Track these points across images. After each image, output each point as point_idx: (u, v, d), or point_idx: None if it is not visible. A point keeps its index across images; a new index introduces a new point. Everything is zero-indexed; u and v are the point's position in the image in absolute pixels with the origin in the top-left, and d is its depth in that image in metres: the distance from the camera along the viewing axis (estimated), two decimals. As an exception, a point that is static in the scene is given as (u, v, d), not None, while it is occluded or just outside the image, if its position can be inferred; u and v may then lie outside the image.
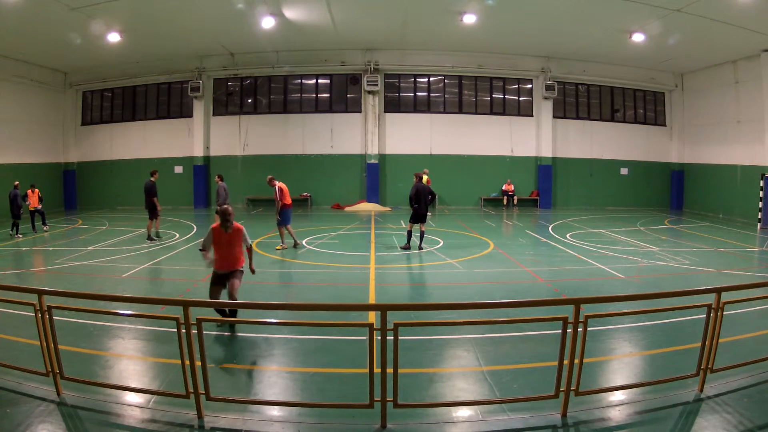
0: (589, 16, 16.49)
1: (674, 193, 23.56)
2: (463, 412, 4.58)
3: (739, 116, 19.59)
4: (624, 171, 23.60)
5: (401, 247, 12.62)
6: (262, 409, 4.61)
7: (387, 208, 22.03)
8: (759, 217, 17.47)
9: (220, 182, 14.35)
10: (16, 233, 14.68)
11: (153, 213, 13.71)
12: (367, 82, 21.75)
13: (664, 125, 23.80)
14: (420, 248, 12.50)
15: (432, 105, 23.08)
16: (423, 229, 12.53)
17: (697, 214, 21.65)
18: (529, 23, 17.74)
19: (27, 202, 15.42)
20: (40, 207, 15.59)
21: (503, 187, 22.80)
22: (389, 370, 4.21)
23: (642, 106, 23.78)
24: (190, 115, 22.87)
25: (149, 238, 13.69)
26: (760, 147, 18.14)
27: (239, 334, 6.49)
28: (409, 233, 12.59)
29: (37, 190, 15.69)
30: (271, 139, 22.88)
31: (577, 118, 23.36)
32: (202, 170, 22.80)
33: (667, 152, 23.71)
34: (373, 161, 22.33)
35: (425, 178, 19.49)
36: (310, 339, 6.45)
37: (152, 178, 14.05)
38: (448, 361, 6.07)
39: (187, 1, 15.54)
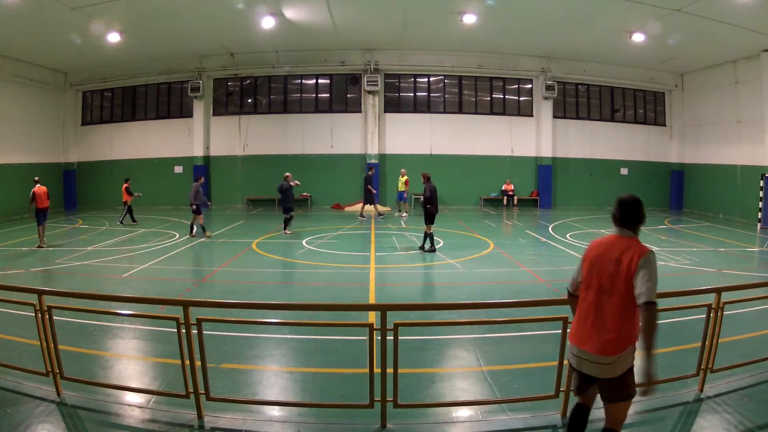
0: (589, 16, 16.49)
1: (674, 193, 23.56)
2: (463, 412, 4.58)
3: (739, 116, 19.59)
4: (624, 171, 23.59)
5: (427, 250, 12.32)
6: (262, 409, 4.61)
7: (387, 208, 22.02)
8: (759, 217, 17.46)
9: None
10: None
11: (197, 211, 14.55)
12: (367, 82, 21.74)
13: (664, 125, 23.80)
14: (420, 249, 12.47)
15: (432, 105, 23.08)
16: (430, 231, 12.44)
17: (697, 214, 21.65)
18: (529, 23, 17.73)
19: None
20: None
21: (503, 187, 22.80)
22: (389, 370, 4.21)
23: (642, 106, 23.77)
24: (190, 115, 22.87)
25: (204, 231, 14.60)
26: (760, 147, 18.13)
27: (239, 334, 6.48)
28: (431, 235, 12.31)
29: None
30: (271, 139, 22.88)
31: (577, 118, 23.35)
32: (202, 170, 22.76)
33: (667, 152, 23.70)
34: (373, 161, 22.32)
35: (405, 178, 19.38)
36: (310, 339, 6.45)
37: (200, 182, 14.90)
38: (448, 361, 6.07)
39: (187, 1, 15.54)
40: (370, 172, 18.96)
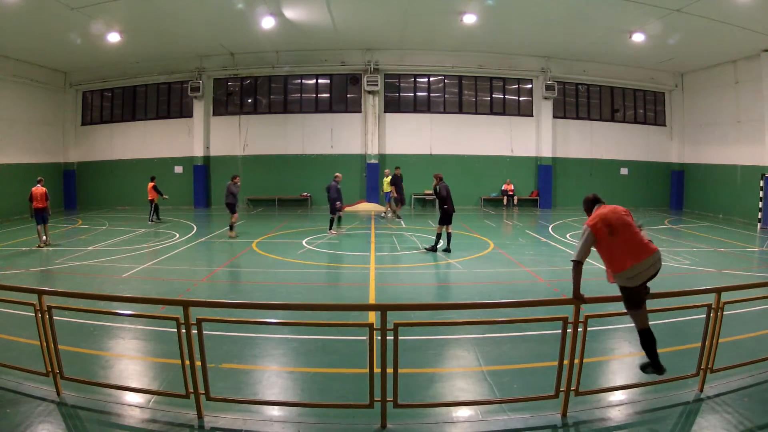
0: (589, 16, 16.49)
1: (674, 193, 23.55)
2: (463, 412, 4.58)
3: (739, 116, 19.59)
4: (624, 171, 23.59)
5: (428, 249, 12.33)
6: (262, 409, 4.61)
7: (387, 208, 22.00)
8: (759, 217, 17.46)
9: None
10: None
11: (232, 209, 14.51)
12: (367, 82, 21.74)
13: (664, 125, 23.80)
14: (448, 250, 12.19)
15: (432, 105, 23.07)
16: (450, 231, 12.27)
17: (697, 214, 21.65)
18: (529, 23, 17.73)
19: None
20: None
21: (503, 187, 22.79)
22: (389, 370, 4.21)
23: (642, 106, 23.77)
24: (190, 115, 22.86)
25: (231, 229, 14.70)
26: (760, 147, 18.13)
27: (239, 334, 6.48)
28: (439, 236, 12.27)
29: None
30: (271, 139, 22.87)
31: (577, 118, 23.34)
32: (202, 170, 22.78)
33: (667, 152, 23.70)
34: (373, 161, 22.33)
35: (389, 178, 18.78)
36: (310, 339, 6.45)
37: (233, 181, 14.67)
38: (448, 361, 6.07)
39: (187, 1, 15.54)
40: (397, 171, 18.64)
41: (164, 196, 18.05)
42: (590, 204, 4.81)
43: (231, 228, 14.71)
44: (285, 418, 4.45)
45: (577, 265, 4.53)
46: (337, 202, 15.06)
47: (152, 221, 17.74)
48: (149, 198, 17.90)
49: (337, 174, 15.77)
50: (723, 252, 12.89)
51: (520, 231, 16.70)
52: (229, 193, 14.52)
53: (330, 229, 15.26)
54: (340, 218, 15.56)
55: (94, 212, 21.40)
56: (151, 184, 17.95)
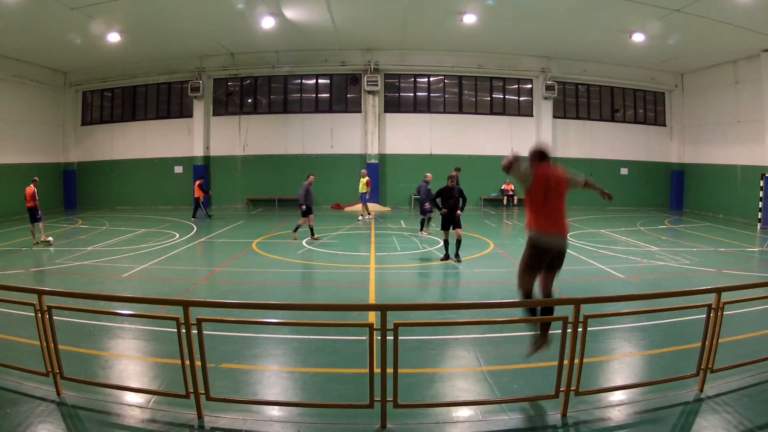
0: (589, 16, 16.49)
1: (674, 193, 23.55)
2: (463, 412, 4.58)
3: (739, 116, 19.59)
4: (624, 171, 23.59)
5: (455, 258, 11.46)
6: (262, 409, 4.61)
7: (387, 208, 22.03)
8: (759, 217, 17.46)
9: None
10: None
11: (307, 212, 13.54)
12: (367, 82, 21.75)
13: (664, 125, 23.80)
14: (447, 258, 11.51)
15: (432, 105, 23.08)
16: (448, 237, 11.60)
17: (697, 214, 21.65)
18: (529, 23, 17.73)
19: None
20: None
21: (503, 187, 22.80)
22: (389, 370, 4.20)
23: (642, 106, 23.78)
24: (190, 115, 22.87)
25: (312, 234, 13.85)
26: (760, 147, 18.14)
27: (239, 334, 6.48)
28: (457, 242, 11.45)
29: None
30: (271, 139, 22.89)
31: (577, 118, 23.35)
32: (202, 170, 22.78)
33: (667, 152, 23.71)
34: (373, 161, 22.33)
35: (365, 179, 18.15)
36: (310, 339, 6.45)
37: (308, 181, 13.77)
38: (448, 361, 6.07)
39: (187, 1, 15.54)
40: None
41: (209, 192, 18.83)
42: (537, 157, 5.00)
43: (313, 231, 13.80)
44: (285, 418, 4.45)
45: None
46: (426, 204, 14.20)
47: (196, 218, 18.36)
48: (195, 196, 18.60)
49: (427, 174, 14.97)
50: (723, 252, 12.89)
51: (520, 231, 16.69)
52: (306, 193, 13.47)
53: (421, 230, 14.89)
54: (429, 219, 14.77)
55: (94, 212, 21.40)
56: (198, 182, 18.69)
